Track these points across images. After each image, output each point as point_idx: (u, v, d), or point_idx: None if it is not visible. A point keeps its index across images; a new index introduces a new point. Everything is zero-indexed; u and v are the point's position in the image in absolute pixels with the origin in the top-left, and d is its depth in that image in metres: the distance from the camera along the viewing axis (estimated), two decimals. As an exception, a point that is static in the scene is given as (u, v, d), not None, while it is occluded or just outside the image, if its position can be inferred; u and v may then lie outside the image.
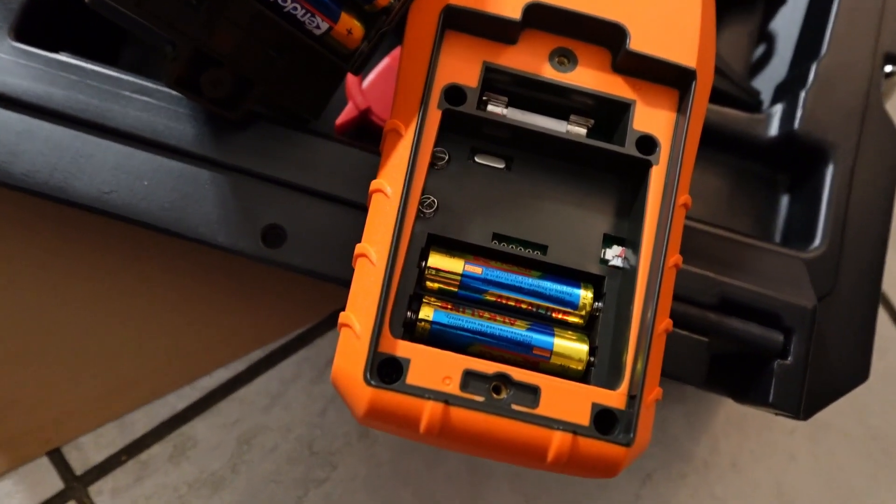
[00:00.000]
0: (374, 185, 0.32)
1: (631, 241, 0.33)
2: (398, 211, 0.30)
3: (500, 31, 0.32)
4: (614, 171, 0.34)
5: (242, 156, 0.35)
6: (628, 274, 0.32)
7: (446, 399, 0.28)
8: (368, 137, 0.40)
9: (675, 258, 0.32)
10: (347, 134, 0.40)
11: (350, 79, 0.40)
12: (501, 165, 0.33)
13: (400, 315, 0.31)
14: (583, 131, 0.33)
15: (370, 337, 0.29)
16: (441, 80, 0.32)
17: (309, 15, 0.32)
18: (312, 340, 0.43)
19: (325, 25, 0.32)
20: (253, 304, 0.43)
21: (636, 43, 0.32)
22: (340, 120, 0.40)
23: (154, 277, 0.41)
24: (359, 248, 0.31)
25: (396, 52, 0.40)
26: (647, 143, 0.33)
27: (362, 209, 0.34)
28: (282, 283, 0.43)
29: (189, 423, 0.41)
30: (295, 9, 0.31)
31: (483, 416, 0.28)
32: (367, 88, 0.40)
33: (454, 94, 0.32)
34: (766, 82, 0.43)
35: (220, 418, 0.41)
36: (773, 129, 0.40)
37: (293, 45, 0.32)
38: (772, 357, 0.36)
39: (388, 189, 0.31)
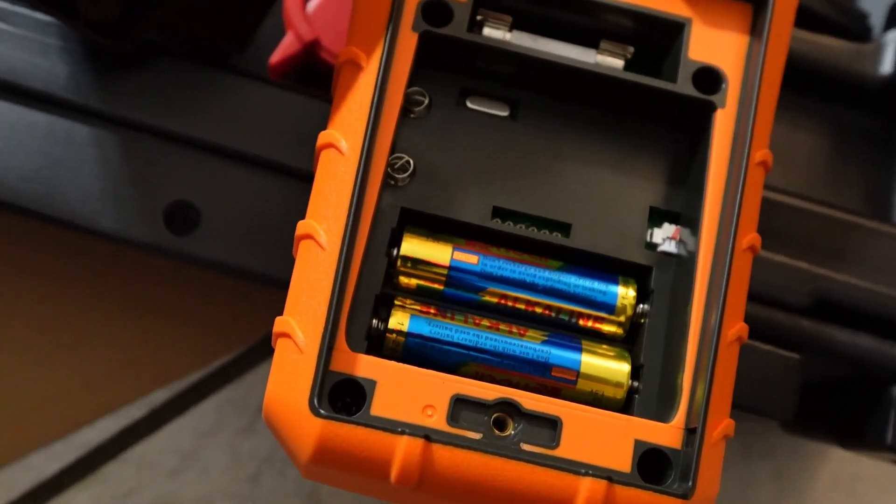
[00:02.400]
0: (323, 137, 0.32)
1: (688, 217, 0.33)
2: (357, 173, 0.31)
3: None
4: (663, 120, 0.34)
5: (136, 105, 0.36)
6: (685, 263, 0.32)
7: (427, 435, 0.28)
8: (316, 81, 0.40)
9: (750, 238, 0.32)
10: (287, 77, 0.41)
11: (290, 0, 0.40)
12: (504, 112, 0.34)
13: (362, 323, 0.31)
14: (619, 63, 0.34)
15: (318, 350, 0.29)
16: None
17: None
18: (239, 376, 0.43)
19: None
20: (152, 322, 0.42)
21: (693, -66, 0.35)
22: (277, 57, 0.40)
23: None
24: (302, 227, 0.31)
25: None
26: (709, 78, 0.33)
27: (308, 179, 0.34)
28: (194, 288, 0.43)
29: (63, 495, 0.41)
30: None
31: (481, 459, 0.28)
32: (313, 12, 0.40)
33: (436, 9, 0.33)
34: (877, 1, 0.43)
35: (108, 487, 0.41)
36: (888, 65, 0.41)
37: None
38: (890, 381, 0.36)
39: (342, 143, 0.31)
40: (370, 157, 0.31)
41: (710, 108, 0.33)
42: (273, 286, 0.35)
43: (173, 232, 0.35)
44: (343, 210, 0.31)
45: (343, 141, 0.31)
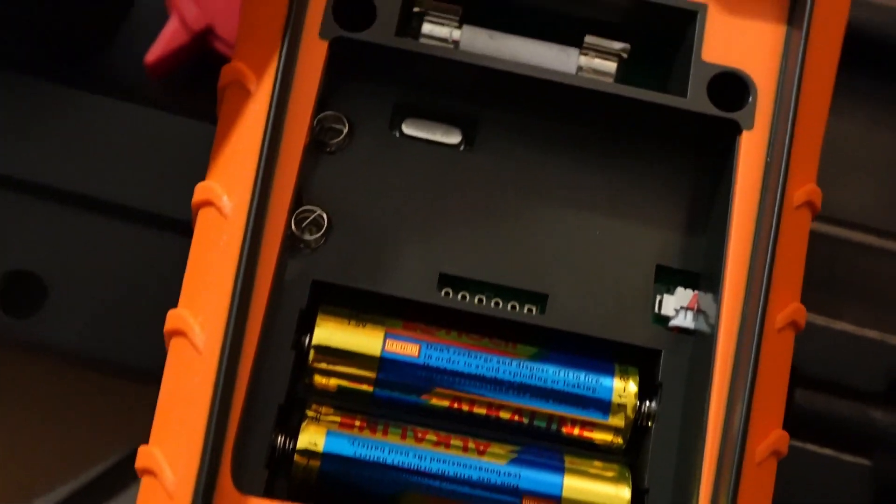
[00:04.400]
0: (199, 191, 0.30)
1: (708, 278, 0.32)
2: (244, 241, 0.29)
3: None
4: (670, 144, 0.33)
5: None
6: (706, 342, 0.31)
7: None
8: (212, 84, 0.38)
9: (789, 311, 0.30)
10: (172, 79, 0.39)
11: None
12: (455, 139, 0.33)
13: (259, 445, 0.29)
14: (610, 67, 0.33)
15: (192, 493, 0.27)
16: None
17: None
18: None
19: None
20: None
21: None
22: (156, 53, 0.39)
23: None
24: (172, 319, 0.30)
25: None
26: (732, 88, 0.32)
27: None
28: (34, 389, 0.41)
29: None
30: None
31: None
32: None
33: (351, 6, 0.31)
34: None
35: None
36: None
37: None
38: None
39: (223, 200, 0.30)
40: (262, 216, 0.30)
41: (734, 130, 0.31)
42: (145, 381, 0.34)
43: (11, 312, 0.34)
44: (225, 294, 0.29)
45: (225, 197, 0.30)
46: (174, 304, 0.31)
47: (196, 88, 0.39)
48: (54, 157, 0.35)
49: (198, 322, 0.29)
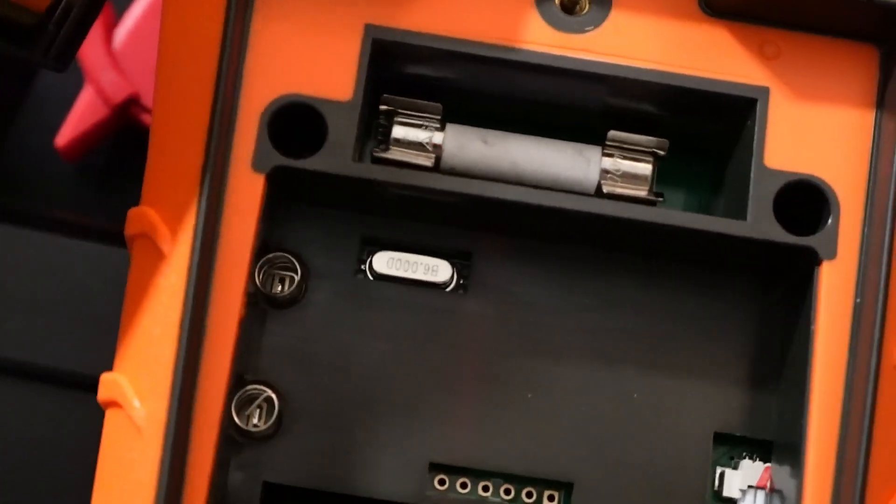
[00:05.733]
0: (103, 389, 0.29)
1: (784, 447, 0.30)
2: (161, 463, 0.28)
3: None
4: (726, 275, 0.31)
5: None
6: None
7: None
8: (139, 167, 0.38)
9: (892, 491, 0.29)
10: (90, 165, 0.42)
11: (94, 34, 0.41)
12: (442, 277, 0.31)
13: None
14: (644, 170, 0.31)
15: None
16: (257, 92, 0.30)
17: None
18: None
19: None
20: None
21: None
22: (70, 133, 0.40)
23: None
24: None
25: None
26: (805, 204, 0.30)
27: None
28: None
29: None
30: None
31: None
32: (122, 47, 0.41)
33: (296, 123, 0.30)
34: None
35: None
36: None
37: None
38: None
39: (135, 406, 0.28)
40: (186, 426, 0.28)
41: (811, 260, 0.30)
42: None
43: None
44: None
45: (136, 401, 0.28)
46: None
47: (119, 171, 0.41)
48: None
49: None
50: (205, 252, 0.29)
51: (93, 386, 0.32)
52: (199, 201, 0.29)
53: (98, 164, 0.42)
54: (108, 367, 0.32)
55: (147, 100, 0.40)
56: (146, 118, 0.40)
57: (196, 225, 0.29)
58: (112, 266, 0.37)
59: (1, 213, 0.39)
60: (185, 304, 0.28)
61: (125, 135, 0.42)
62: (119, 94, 0.40)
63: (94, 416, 0.32)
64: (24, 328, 0.37)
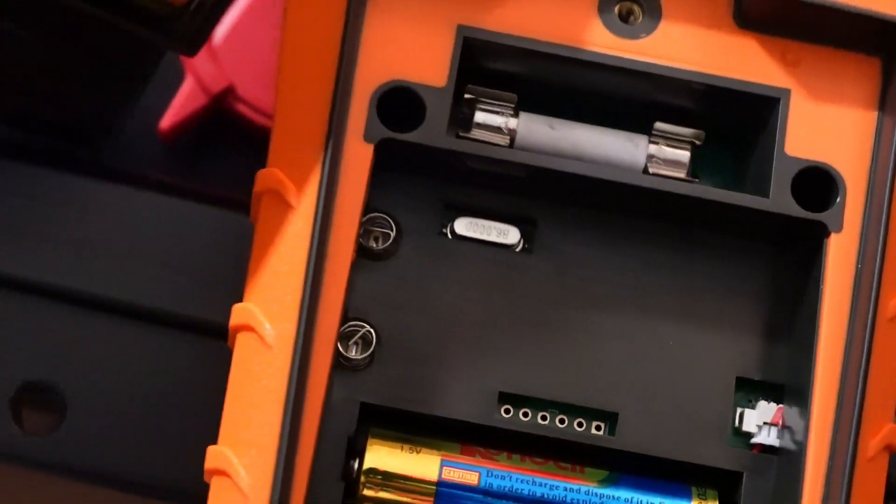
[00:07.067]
0: (237, 314, 0.30)
1: (795, 391, 0.32)
2: (291, 374, 0.29)
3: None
4: (750, 243, 0.33)
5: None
6: (793, 461, 0.31)
7: None
8: (233, 149, 0.40)
9: (886, 432, 0.30)
10: (187, 146, 0.41)
11: None
12: (512, 240, 0.33)
13: None
14: (682, 156, 0.33)
15: None
16: (368, 76, 0.31)
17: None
18: None
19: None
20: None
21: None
22: (171, 119, 0.40)
23: None
24: (213, 457, 0.29)
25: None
26: (817, 186, 0.32)
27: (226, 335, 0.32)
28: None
29: None
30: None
31: None
32: (222, 43, 0.41)
33: (398, 103, 0.31)
34: None
35: None
36: None
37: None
38: None
39: (265, 327, 0.30)
40: (309, 345, 0.30)
41: (821, 232, 0.31)
42: (177, 501, 0.34)
43: (25, 430, 0.34)
44: (273, 433, 0.29)
45: (267, 325, 0.30)
46: (206, 415, 0.32)
47: (213, 154, 0.41)
48: (63, 254, 0.35)
49: (241, 463, 0.29)
50: (327, 205, 0.30)
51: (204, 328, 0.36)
52: (323, 164, 0.30)
53: (189, 147, 0.43)
54: (210, 310, 0.35)
55: (242, 90, 0.41)
56: (239, 107, 0.41)
57: (320, 183, 0.30)
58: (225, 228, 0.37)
59: (118, 179, 0.38)
60: (310, 246, 0.30)
61: (213, 121, 0.42)
62: (217, 84, 0.40)
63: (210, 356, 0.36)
64: (146, 275, 0.37)
